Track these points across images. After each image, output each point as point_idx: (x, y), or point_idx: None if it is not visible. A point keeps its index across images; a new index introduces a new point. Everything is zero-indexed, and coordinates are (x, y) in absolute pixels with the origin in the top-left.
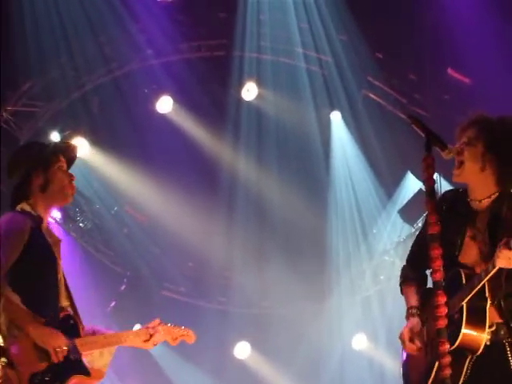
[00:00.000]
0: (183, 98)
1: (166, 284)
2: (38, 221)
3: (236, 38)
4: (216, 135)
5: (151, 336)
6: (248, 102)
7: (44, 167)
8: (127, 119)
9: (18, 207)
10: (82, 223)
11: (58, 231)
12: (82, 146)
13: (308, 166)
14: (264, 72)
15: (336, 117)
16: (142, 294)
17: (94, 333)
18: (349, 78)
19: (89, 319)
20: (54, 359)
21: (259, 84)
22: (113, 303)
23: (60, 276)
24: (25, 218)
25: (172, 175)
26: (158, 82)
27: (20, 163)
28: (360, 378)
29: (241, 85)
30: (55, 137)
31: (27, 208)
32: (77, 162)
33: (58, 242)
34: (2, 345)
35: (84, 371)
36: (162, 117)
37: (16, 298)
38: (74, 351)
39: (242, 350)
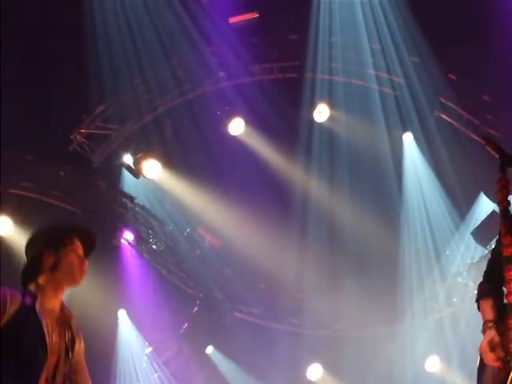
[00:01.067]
0: (255, 120)
1: (239, 306)
2: (33, 298)
3: (308, 60)
4: (288, 157)
5: None
6: (320, 124)
7: (56, 248)
8: (199, 141)
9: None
10: (155, 245)
11: (131, 253)
12: (155, 168)
13: (380, 187)
14: (336, 93)
15: (408, 138)
16: (214, 316)
17: None
18: (421, 99)
19: (162, 340)
20: None
21: (331, 106)
22: (185, 325)
23: (53, 354)
24: (15, 293)
25: (244, 197)
26: (230, 103)
27: (35, 242)
28: None
29: (313, 106)
30: (128, 159)
31: (31, 287)
32: (150, 183)
33: (68, 320)
34: None
35: None
36: (234, 138)
37: None
38: None
39: (315, 372)
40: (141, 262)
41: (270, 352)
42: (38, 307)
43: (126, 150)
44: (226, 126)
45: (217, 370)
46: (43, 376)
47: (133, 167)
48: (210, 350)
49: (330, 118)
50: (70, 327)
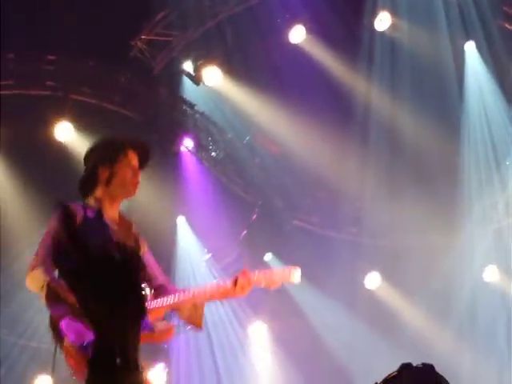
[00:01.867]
0: (316, 28)
1: (298, 214)
2: (96, 211)
3: None
4: (349, 65)
5: (235, 286)
6: (382, 33)
7: (110, 162)
8: (260, 48)
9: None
10: (215, 152)
11: (191, 160)
12: (215, 76)
13: (441, 96)
14: (398, 1)
15: (471, 47)
16: (273, 224)
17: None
18: (485, 7)
19: (220, 247)
20: None
21: (393, 14)
22: (244, 232)
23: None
24: (78, 207)
25: (305, 105)
26: (291, 11)
27: (91, 156)
28: (491, 309)
29: (374, 14)
30: (188, 66)
31: (90, 202)
32: (210, 90)
33: (129, 226)
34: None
35: (146, 328)
36: (295, 46)
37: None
38: None
39: (373, 281)
40: (200, 169)
41: (329, 260)
42: (104, 218)
43: (186, 57)
44: (286, 34)
45: None
46: (125, 278)
47: (193, 74)
48: (268, 257)
49: (392, 27)
50: (132, 234)
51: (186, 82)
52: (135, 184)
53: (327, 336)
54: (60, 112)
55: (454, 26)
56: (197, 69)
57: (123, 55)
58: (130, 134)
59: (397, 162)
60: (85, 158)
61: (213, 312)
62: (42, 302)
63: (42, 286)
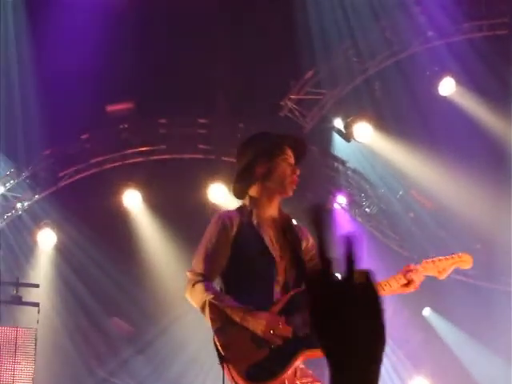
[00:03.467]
0: (466, 79)
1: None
2: (249, 214)
3: None
4: (502, 114)
5: (409, 280)
6: None
7: (268, 157)
8: (410, 102)
9: (242, 203)
10: (368, 208)
11: (344, 217)
12: (366, 131)
13: None
14: None
15: None
16: (430, 278)
17: None
18: None
19: None
20: (274, 342)
21: None
22: None
23: (283, 258)
24: (231, 215)
25: (457, 157)
26: (440, 63)
27: (247, 151)
28: None
29: None
30: (338, 123)
31: (246, 202)
32: (360, 146)
33: (288, 223)
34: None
35: (314, 345)
36: (445, 99)
37: (225, 296)
38: (299, 328)
39: None
40: (354, 225)
41: (488, 313)
42: (255, 221)
43: (336, 114)
44: (436, 87)
45: (435, 332)
46: (276, 285)
47: (343, 131)
48: (426, 311)
49: None
50: (291, 229)
51: (337, 139)
52: (293, 182)
53: None
54: (213, 174)
55: None
56: (347, 125)
57: (274, 115)
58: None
59: None
60: (238, 154)
61: None
62: (205, 319)
63: (204, 303)
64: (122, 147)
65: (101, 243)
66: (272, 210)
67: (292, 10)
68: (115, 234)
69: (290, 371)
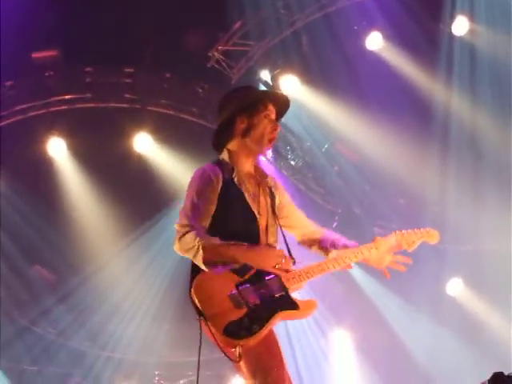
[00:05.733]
0: (394, 34)
1: (378, 221)
2: (230, 171)
3: None
4: (428, 71)
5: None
6: (460, 38)
7: (250, 112)
8: (338, 56)
9: (220, 157)
10: (293, 161)
11: (268, 169)
12: (293, 84)
13: None
14: (476, 6)
15: None
16: (353, 231)
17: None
18: None
19: (300, 256)
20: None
21: (471, 18)
22: None
23: (263, 216)
24: (216, 170)
25: (383, 111)
26: (368, 18)
27: (228, 104)
28: None
29: (452, 19)
30: (265, 75)
31: (225, 157)
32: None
33: (263, 179)
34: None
35: (290, 306)
36: (373, 53)
37: (215, 240)
38: (277, 288)
39: (455, 287)
40: (279, 177)
41: (410, 267)
42: (236, 179)
43: (263, 66)
44: (364, 41)
45: (356, 284)
46: (260, 238)
47: (270, 83)
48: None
49: (470, 31)
50: (267, 183)
51: None
52: (272, 140)
53: (410, 344)
54: (138, 124)
55: None
56: (274, 78)
57: (201, 66)
58: (208, 145)
59: (478, 165)
60: (220, 106)
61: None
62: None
63: (197, 249)
64: (47, 95)
65: (24, 191)
66: (249, 166)
67: None
68: (39, 182)
69: (266, 331)
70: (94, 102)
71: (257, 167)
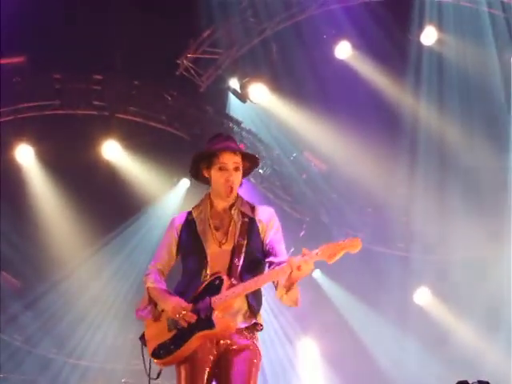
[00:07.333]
0: (362, 43)
1: (346, 229)
2: (199, 209)
3: None
4: (396, 80)
5: (299, 266)
6: (429, 47)
7: (207, 165)
8: (307, 65)
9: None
10: (261, 169)
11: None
12: (262, 92)
13: (490, 111)
14: (445, 16)
15: None
16: (321, 240)
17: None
18: None
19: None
20: (181, 324)
21: (439, 28)
22: (292, 249)
23: (228, 242)
24: (181, 216)
25: (352, 120)
26: (337, 27)
27: (193, 162)
28: None
29: (421, 29)
30: (234, 83)
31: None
32: (256, 107)
33: (245, 214)
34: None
35: (206, 326)
36: (342, 62)
37: (162, 284)
38: (204, 309)
39: (422, 296)
40: (247, 186)
41: (377, 276)
42: (194, 213)
43: (232, 74)
44: (332, 50)
45: (323, 293)
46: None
47: (239, 91)
48: (317, 273)
49: (438, 41)
50: (246, 215)
51: (233, 99)
52: (227, 190)
53: (377, 352)
54: (107, 131)
55: (500, 39)
56: (243, 86)
57: (169, 74)
58: (177, 152)
59: (445, 176)
60: (191, 163)
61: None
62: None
63: (148, 290)
64: (15, 101)
65: None
66: (224, 203)
67: None
68: (6, 189)
69: (186, 351)
70: (63, 109)
71: (238, 203)
